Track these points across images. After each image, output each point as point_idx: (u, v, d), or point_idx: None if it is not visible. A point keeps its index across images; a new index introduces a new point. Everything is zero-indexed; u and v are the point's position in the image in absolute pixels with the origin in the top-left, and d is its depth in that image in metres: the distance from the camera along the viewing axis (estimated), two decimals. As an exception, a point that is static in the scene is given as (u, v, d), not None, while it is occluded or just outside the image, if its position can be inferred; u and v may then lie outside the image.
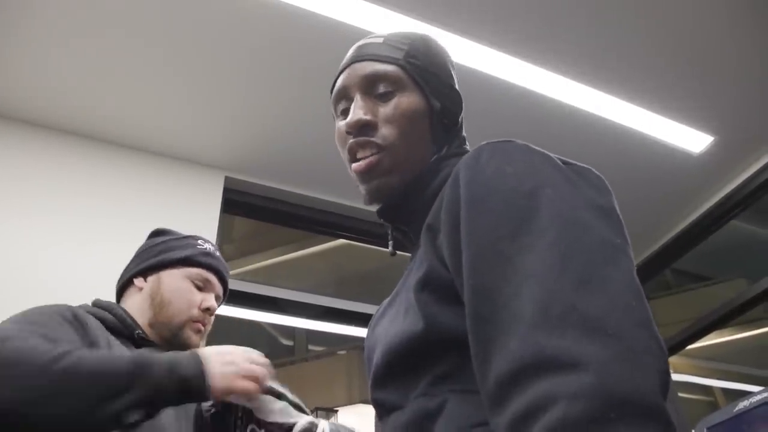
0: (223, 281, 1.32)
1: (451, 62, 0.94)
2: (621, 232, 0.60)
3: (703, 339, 2.90)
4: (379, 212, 0.87)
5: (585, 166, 0.68)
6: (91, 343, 1.04)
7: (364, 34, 1.97)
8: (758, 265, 3.01)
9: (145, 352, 0.97)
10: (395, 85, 0.84)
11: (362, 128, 0.82)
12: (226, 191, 2.45)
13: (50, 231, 2.02)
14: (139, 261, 1.26)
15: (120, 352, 1.08)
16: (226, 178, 2.46)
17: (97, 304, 1.20)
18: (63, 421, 0.87)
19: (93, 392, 0.88)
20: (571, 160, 0.68)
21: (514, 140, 0.69)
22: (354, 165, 0.83)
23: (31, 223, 2.01)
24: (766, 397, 1.63)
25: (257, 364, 1.02)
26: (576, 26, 2.00)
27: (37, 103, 2.13)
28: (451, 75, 0.92)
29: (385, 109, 0.83)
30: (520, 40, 2.03)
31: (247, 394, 1.00)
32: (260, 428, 1.03)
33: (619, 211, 0.64)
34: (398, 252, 0.95)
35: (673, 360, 3.07)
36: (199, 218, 2.26)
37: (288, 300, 2.48)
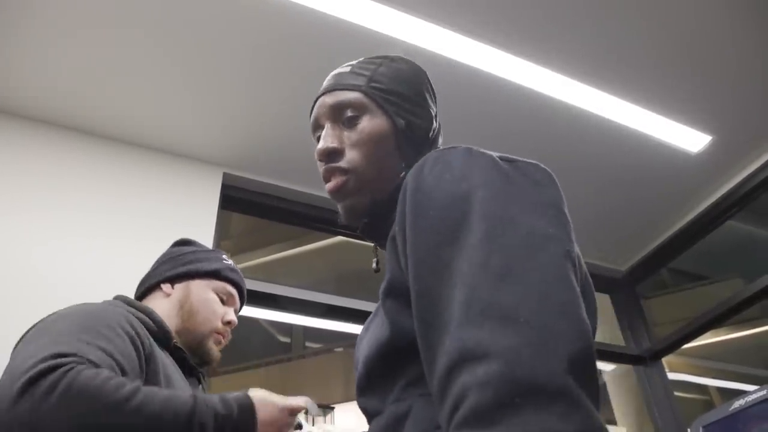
0: (243, 297, 1.37)
1: (423, 80, 0.96)
2: (556, 222, 0.62)
3: (699, 338, 2.91)
4: (361, 231, 0.91)
5: (531, 162, 0.70)
6: (146, 358, 1.05)
7: (364, 31, 1.99)
8: (754, 265, 3.01)
9: (202, 396, 0.96)
10: (359, 110, 0.88)
11: (329, 155, 0.87)
12: (225, 187, 2.45)
13: (49, 226, 2.02)
14: (168, 267, 1.29)
15: (180, 388, 1.09)
16: (225, 175, 2.46)
17: (132, 304, 1.19)
18: None
19: None
20: (516, 158, 0.70)
21: (458, 146, 0.71)
22: (327, 186, 0.88)
23: (30, 218, 2.00)
24: (761, 396, 1.64)
25: (295, 412, 1.07)
26: (576, 26, 2.00)
27: (35, 99, 2.13)
28: (421, 92, 0.94)
29: (351, 134, 0.88)
30: (520, 39, 2.03)
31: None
32: None
33: (561, 204, 0.65)
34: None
35: (669, 359, 3.08)
36: (197, 214, 2.26)
37: (285, 297, 2.48)
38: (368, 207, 0.86)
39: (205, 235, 2.16)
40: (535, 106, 2.25)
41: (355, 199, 0.86)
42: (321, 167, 0.89)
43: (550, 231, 0.59)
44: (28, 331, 1.01)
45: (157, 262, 1.34)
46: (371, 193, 0.86)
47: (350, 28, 1.94)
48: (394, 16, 1.91)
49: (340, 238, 3.11)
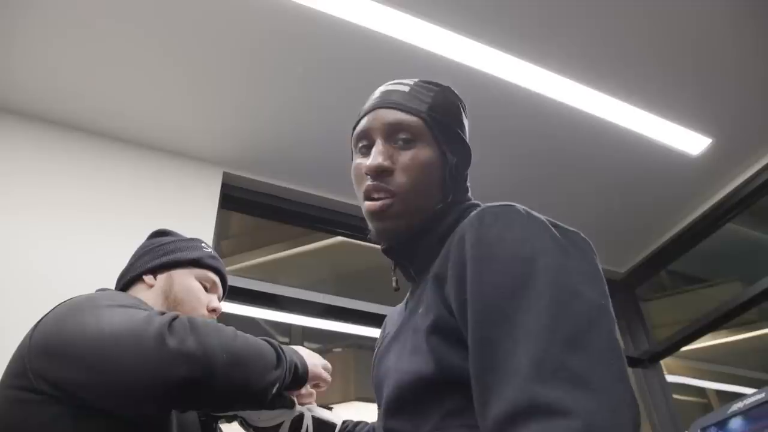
0: (225, 283, 1.37)
1: (464, 114, 1.00)
2: (604, 292, 0.70)
3: (698, 341, 2.91)
4: (385, 251, 0.95)
5: (573, 230, 0.77)
6: None
7: (364, 31, 1.99)
8: (754, 268, 3.01)
9: (264, 337, 1.03)
10: (415, 137, 0.91)
11: (380, 173, 0.89)
12: (224, 187, 2.45)
13: (47, 225, 2.02)
14: (149, 258, 1.28)
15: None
16: (225, 174, 2.46)
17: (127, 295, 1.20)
18: (235, 390, 0.92)
19: (261, 364, 0.95)
20: (560, 224, 0.77)
21: (515, 205, 0.77)
22: (368, 204, 0.90)
23: (29, 216, 2.00)
24: (759, 399, 1.64)
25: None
26: (576, 27, 2.01)
27: (34, 97, 2.13)
28: (464, 128, 0.99)
29: (403, 158, 0.90)
30: (518, 39, 2.03)
31: (312, 393, 1.14)
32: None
33: (601, 271, 0.74)
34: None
35: (667, 361, 3.08)
36: (196, 213, 2.26)
37: (284, 297, 2.48)
38: (403, 232, 0.90)
39: (204, 234, 2.15)
40: (535, 108, 2.25)
41: (395, 223, 0.89)
42: (364, 182, 0.90)
43: (602, 303, 0.67)
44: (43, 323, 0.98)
45: (136, 254, 1.33)
46: (409, 219, 0.90)
47: (350, 29, 1.94)
48: (393, 16, 1.91)
49: (339, 238, 3.11)
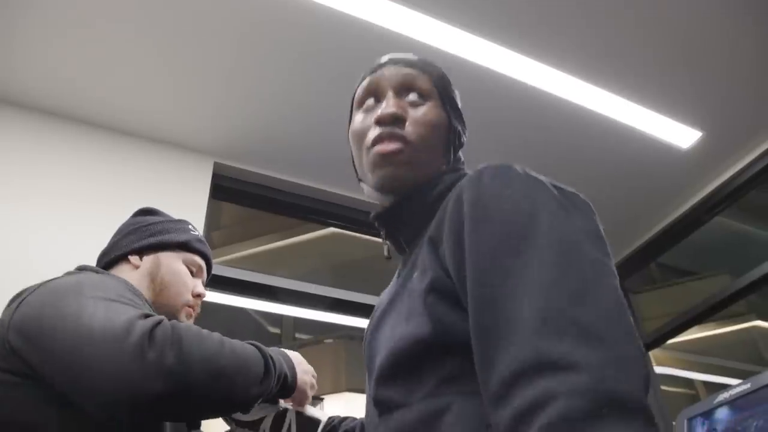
0: (210, 268, 1.34)
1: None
2: (606, 252, 0.67)
3: (686, 333, 2.93)
4: (376, 217, 0.94)
5: (572, 190, 0.75)
6: None
7: (356, 21, 1.98)
8: (742, 260, 3.04)
9: (255, 343, 0.99)
10: (426, 96, 0.92)
11: (395, 121, 0.88)
12: (215, 177, 2.45)
13: (37, 215, 2.01)
14: (135, 238, 1.24)
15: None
16: (215, 164, 2.45)
17: (102, 274, 1.14)
18: (215, 405, 0.89)
19: (246, 378, 0.91)
20: (560, 184, 0.75)
21: (512, 165, 0.75)
22: (378, 146, 0.87)
23: (18, 207, 1.99)
24: (744, 390, 1.66)
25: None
26: (567, 20, 2.01)
27: (24, 86, 2.11)
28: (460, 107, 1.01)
29: (415, 113, 0.90)
30: (510, 32, 2.03)
31: (297, 402, 1.09)
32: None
33: (603, 232, 0.71)
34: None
35: (656, 353, 3.11)
36: (187, 204, 2.26)
37: (276, 287, 2.48)
38: (407, 183, 0.88)
39: (195, 224, 2.14)
40: (526, 99, 2.26)
41: (402, 171, 0.87)
42: (374, 131, 0.89)
43: (605, 260, 0.65)
44: (20, 301, 0.94)
45: (120, 232, 1.28)
46: (417, 172, 0.88)
47: (341, 18, 1.93)
48: (385, 6, 1.91)
49: (332, 229, 3.11)
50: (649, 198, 2.78)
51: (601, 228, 0.71)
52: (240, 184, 2.57)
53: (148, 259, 1.22)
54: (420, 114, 0.90)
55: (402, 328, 0.77)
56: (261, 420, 1.06)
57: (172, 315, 1.20)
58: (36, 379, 0.87)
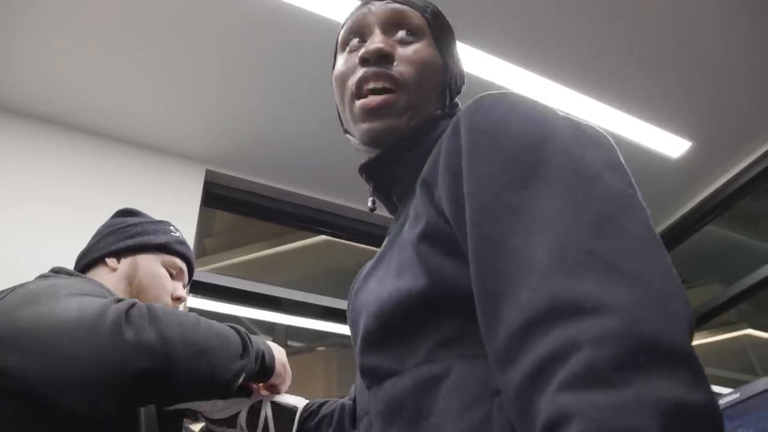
0: (191, 271, 1.30)
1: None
2: (631, 184, 0.55)
3: (677, 341, 2.94)
4: (364, 167, 0.83)
5: (587, 122, 0.63)
6: None
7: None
8: (732, 269, 3.06)
9: (230, 324, 0.98)
10: (417, 34, 0.82)
11: (380, 58, 0.77)
12: (207, 184, 2.44)
13: (28, 221, 2.00)
14: (113, 240, 1.21)
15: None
16: (207, 171, 2.44)
17: (78, 277, 1.12)
18: (199, 382, 0.86)
19: (226, 353, 0.89)
20: (573, 116, 0.64)
21: (513, 91, 0.66)
22: (364, 100, 0.77)
23: (10, 213, 1.98)
24: (734, 399, 1.66)
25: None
26: (556, 30, 2.02)
27: (16, 92, 2.10)
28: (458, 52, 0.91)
29: (405, 51, 0.80)
30: (500, 41, 2.04)
31: (275, 388, 1.06)
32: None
33: (625, 165, 0.59)
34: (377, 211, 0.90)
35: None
36: (179, 211, 2.25)
37: (268, 295, 2.48)
38: (402, 133, 0.78)
39: (186, 232, 2.13)
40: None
41: (394, 122, 0.77)
42: (358, 72, 0.78)
43: (630, 191, 0.54)
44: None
45: (99, 233, 1.25)
46: (411, 118, 0.78)
47: (333, 26, 1.93)
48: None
49: (323, 237, 3.11)
50: (640, 207, 2.79)
51: (622, 160, 0.59)
52: (231, 192, 2.56)
53: (126, 262, 1.18)
54: (410, 52, 0.79)
55: (391, 283, 0.66)
56: (236, 415, 1.02)
57: None
58: (10, 391, 0.84)
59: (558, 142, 0.56)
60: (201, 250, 2.75)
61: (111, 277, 1.16)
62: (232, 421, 1.02)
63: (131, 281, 1.16)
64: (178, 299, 1.21)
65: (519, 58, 2.10)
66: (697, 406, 0.39)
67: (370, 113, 0.77)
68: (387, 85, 0.76)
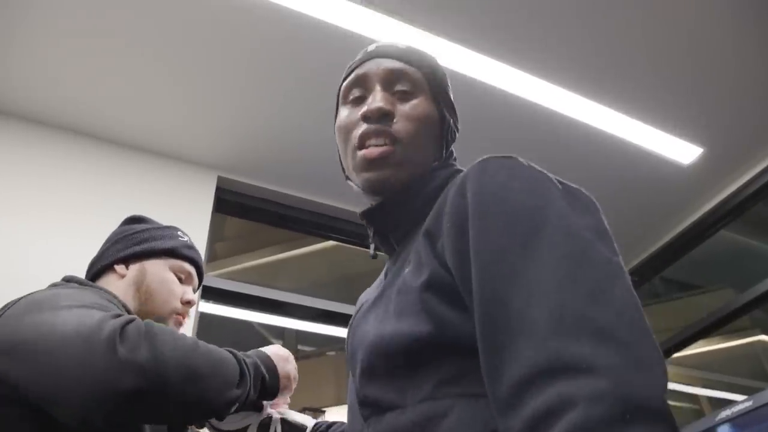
0: (201, 274, 1.31)
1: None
2: (615, 249, 0.63)
3: (690, 347, 2.92)
4: (365, 214, 0.88)
5: (576, 186, 0.71)
6: None
7: (357, 36, 2.00)
8: (746, 275, 3.03)
9: (230, 349, 0.97)
10: (415, 88, 0.86)
11: (382, 117, 0.82)
12: (219, 191, 2.46)
13: (41, 227, 2.02)
14: (122, 247, 1.22)
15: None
16: (219, 178, 2.47)
17: (87, 285, 1.14)
18: (189, 407, 0.86)
19: (219, 380, 0.88)
20: (563, 180, 0.71)
21: (517, 157, 0.72)
22: (365, 151, 0.82)
23: (22, 219, 2.01)
24: (746, 407, 1.65)
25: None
26: (567, 35, 2.02)
27: (30, 99, 2.13)
28: (452, 99, 0.95)
29: (403, 107, 0.84)
30: (511, 48, 2.05)
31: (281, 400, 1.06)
32: None
33: (609, 229, 0.66)
34: (378, 254, 0.96)
35: (659, 368, 3.09)
36: (191, 217, 2.27)
37: (278, 300, 2.49)
38: (401, 184, 0.83)
39: (198, 238, 2.16)
40: (527, 116, 2.27)
41: (393, 173, 0.82)
42: (360, 127, 0.83)
43: (615, 259, 0.61)
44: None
45: (108, 241, 1.26)
46: (408, 172, 0.83)
47: (344, 35, 1.95)
48: (386, 22, 1.93)
49: (332, 242, 3.12)
50: (651, 213, 2.78)
51: (607, 225, 0.67)
52: (243, 198, 2.58)
53: (134, 268, 1.19)
54: (409, 108, 0.84)
55: (392, 324, 0.72)
56: (245, 429, 1.03)
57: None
58: (13, 399, 0.85)
59: (553, 209, 0.63)
60: (212, 255, 2.76)
61: (120, 283, 1.17)
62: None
63: (139, 287, 1.17)
64: (188, 303, 1.22)
65: (531, 66, 2.11)
66: None
67: (370, 164, 0.82)
68: (386, 141, 0.82)
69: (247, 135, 2.35)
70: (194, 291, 1.28)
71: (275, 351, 1.07)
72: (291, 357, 1.08)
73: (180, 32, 1.95)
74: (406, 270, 0.76)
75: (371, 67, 0.88)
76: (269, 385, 0.99)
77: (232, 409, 0.91)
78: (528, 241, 0.60)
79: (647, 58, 2.09)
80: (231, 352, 0.95)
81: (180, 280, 1.23)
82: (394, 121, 0.83)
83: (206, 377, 0.86)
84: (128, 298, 1.15)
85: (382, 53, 0.89)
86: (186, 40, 1.98)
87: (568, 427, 0.47)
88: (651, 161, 2.47)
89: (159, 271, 1.20)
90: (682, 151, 2.43)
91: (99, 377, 0.78)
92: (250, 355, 1.00)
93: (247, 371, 0.94)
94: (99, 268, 1.22)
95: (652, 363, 0.52)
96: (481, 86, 2.13)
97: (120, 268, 1.19)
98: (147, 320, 0.87)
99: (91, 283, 1.16)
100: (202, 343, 0.90)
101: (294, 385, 1.07)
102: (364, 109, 0.83)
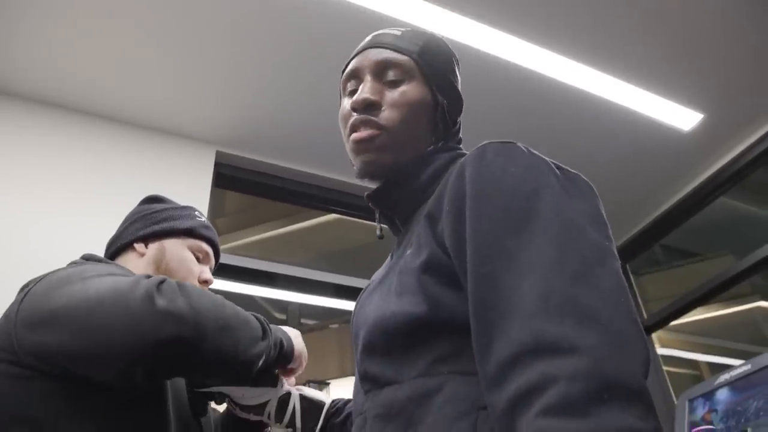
0: (218, 254, 1.33)
1: (458, 65, 0.99)
2: (608, 235, 0.66)
3: (690, 314, 2.94)
4: (370, 197, 0.92)
5: (574, 172, 0.74)
6: None
7: (356, 9, 1.97)
8: (745, 241, 3.04)
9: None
10: (405, 75, 0.90)
11: (367, 107, 0.87)
12: (217, 166, 2.46)
13: (40, 206, 2.03)
14: (141, 226, 1.25)
15: None
16: (217, 153, 2.46)
17: (106, 263, 1.15)
18: (222, 357, 0.88)
19: (248, 333, 0.92)
20: (562, 165, 0.73)
21: (516, 143, 0.74)
22: (354, 134, 0.87)
23: (21, 198, 2.01)
24: (745, 371, 1.67)
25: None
26: (567, 3, 1.99)
27: (27, 77, 2.12)
28: (456, 77, 0.97)
29: (392, 94, 0.88)
30: (509, 16, 2.02)
31: (292, 372, 1.09)
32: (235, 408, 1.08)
33: (604, 214, 0.70)
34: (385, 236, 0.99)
35: (660, 334, 3.12)
36: (190, 192, 2.27)
37: (281, 274, 2.50)
38: (389, 168, 0.87)
39: (198, 213, 2.17)
40: (525, 84, 2.25)
41: (379, 156, 0.86)
42: (351, 117, 0.88)
43: (606, 244, 0.64)
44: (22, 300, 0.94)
45: (127, 220, 1.28)
46: (395, 155, 0.87)
47: (343, 6, 1.92)
48: (386, -7, 1.90)
49: (333, 215, 3.12)
50: (651, 180, 2.78)
51: (603, 210, 0.70)
52: (242, 173, 2.58)
53: (153, 247, 1.22)
54: (396, 95, 0.88)
55: (393, 303, 0.75)
56: (265, 404, 1.06)
57: None
58: (42, 372, 0.87)
59: (548, 195, 0.66)
60: (213, 231, 2.77)
61: (139, 262, 1.20)
62: (260, 409, 1.06)
63: (159, 265, 1.20)
64: (205, 282, 1.25)
65: (531, 34, 2.08)
66: None
67: (358, 144, 0.87)
68: (373, 129, 0.86)
69: (246, 109, 2.34)
70: (211, 270, 1.31)
71: (290, 329, 1.10)
72: (301, 339, 1.11)
73: (174, 7, 1.93)
74: (408, 252, 0.80)
75: (362, 59, 0.92)
76: (286, 349, 1.03)
77: (260, 363, 0.94)
78: (521, 224, 0.63)
79: (646, 24, 2.07)
80: (250, 313, 0.99)
81: (198, 259, 1.26)
82: (382, 109, 0.87)
83: (238, 329, 0.90)
84: None
85: (374, 43, 0.94)
86: (180, 15, 1.95)
87: (548, 403, 0.51)
88: (651, 128, 2.46)
89: (178, 250, 1.23)
90: (682, 117, 2.42)
91: (142, 327, 0.81)
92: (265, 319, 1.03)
93: (268, 328, 0.98)
94: (118, 247, 1.24)
95: (632, 344, 0.55)
96: (477, 54, 2.11)
97: (139, 246, 1.22)
98: (177, 280, 0.90)
99: (110, 261, 1.19)
100: (227, 301, 0.94)
101: (304, 363, 1.10)
102: (352, 101, 0.89)
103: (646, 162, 2.66)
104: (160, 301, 0.82)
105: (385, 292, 0.80)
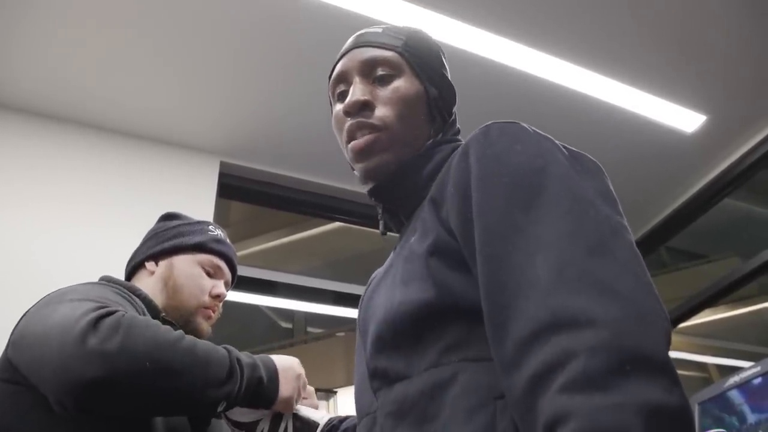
0: (233, 268, 1.32)
1: (444, 56, 0.97)
2: (619, 211, 0.64)
3: (697, 316, 2.93)
4: (371, 192, 0.89)
5: (581, 152, 0.72)
6: None
7: (356, 16, 1.98)
8: (751, 242, 3.03)
9: (229, 347, 0.97)
10: (394, 70, 0.87)
11: (360, 109, 0.84)
12: (222, 176, 2.46)
13: (46, 218, 2.03)
14: (151, 245, 1.26)
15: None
16: (222, 163, 2.46)
17: (117, 282, 1.16)
18: (174, 400, 0.87)
19: (204, 376, 0.88)
20: (568, 146, 0.71)
21: (520, 122, 0.72)
22: (353, 143, 0.84)
23: (27, 210, 2.02)
24: (755, 373, 1.66)
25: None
26: (567, 5, 1.99)
27: (32, 91, 2.13)
28: (445, 67, 0.95)
29: (384, 92, 0.86)
30: (509, 20, 2.02)
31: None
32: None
33: (614, 192, 0.67)
34: (388, 233, 0.97)
35: (667, 337, 3.11)
36: (195, 203, 2.27)
37: (286, 283, 2.50)
38: (391, 168, 0.85)
39: (203, 223, 2.17)
40: (527, 88, 2.25)
41: (383, 158, 0.84)
42: (346, 123, 0.86)
43: (618, 218, 0.62)
44: (19, 322, 0.97)
45: (142, 240, 1.30)
46: (397, 154, 0.84)
47: (344, 15, 1.93)
48: (386, 0, 1.91)
49: (338, 224, 3.13)
50: (656, 183, 2.77)
51: (611, 187, 0.68)
52: (246, 183, 2.58)
53: (163, 264, 1.23)
54: (388, 92, 0.85)
55: (401, 292, 0.73)
56: (257, 422, 1.04)
57: (187, 318, 1.20)
58: (27, 386, 0.90)
59: (556, 170, 0.64)
60: (218, 241, 2.78)
61: (149, 280, 1.21)
62: (252, 426, 1.04)
63: (167, 282, 1.20)
64: (217, 297, 1.24)
65: (531, 39, 2.08)
66: (674, 406, 0.47)
67: (359, 154, 0.84)
68: (370, 131, 0.83)
69: (249, 119, 2.34)
70: (227, 285, 1.30)
71: (286, 361, 1.06)
72: (298, 373, 1.06)
73: (178, 18, 1.94)
74: (413, 238, 0.78)
75: (348, 61, 0.90)
76: (267, 389, 0.98)
77: (220, 408, 0.92)
78: (530, 201, 0.61)
79: (648, 26, 2.07)
80: (228, 350, 0.95)
81: (209, 274, 1.25)
82: (375, 109, 0.84)
83: (181, 373, 0.86)
84: (156, 294, 1.18)
85: (359, 43, 0.91)
86: (184, 26, 1.96)
87: (568, 378, 0.48)
88: (654, 130, 2.45)
89: (186, 266, 1.23)
90: (685, 119, 2.42)
91: (68, 365, 0.81)
92: (252, 357, 0.99)
93: (237, 371, 0.93)
94: (132, 266, 1.26)
95: (653, 315, 0.53)
96: (478, 60, 2.11)
97: (150, 264, 1.23)
98: (133, 314, 0.89)
99: (118, 280, 1.19)
100: (190, 340, 0.90)
101: (297, 402, 1.06)
102: (344, 104, 0.86)
103: (651, 164, 2.66)
104: (92, 341, 0.81)
105: (390, 283, 0.78)
